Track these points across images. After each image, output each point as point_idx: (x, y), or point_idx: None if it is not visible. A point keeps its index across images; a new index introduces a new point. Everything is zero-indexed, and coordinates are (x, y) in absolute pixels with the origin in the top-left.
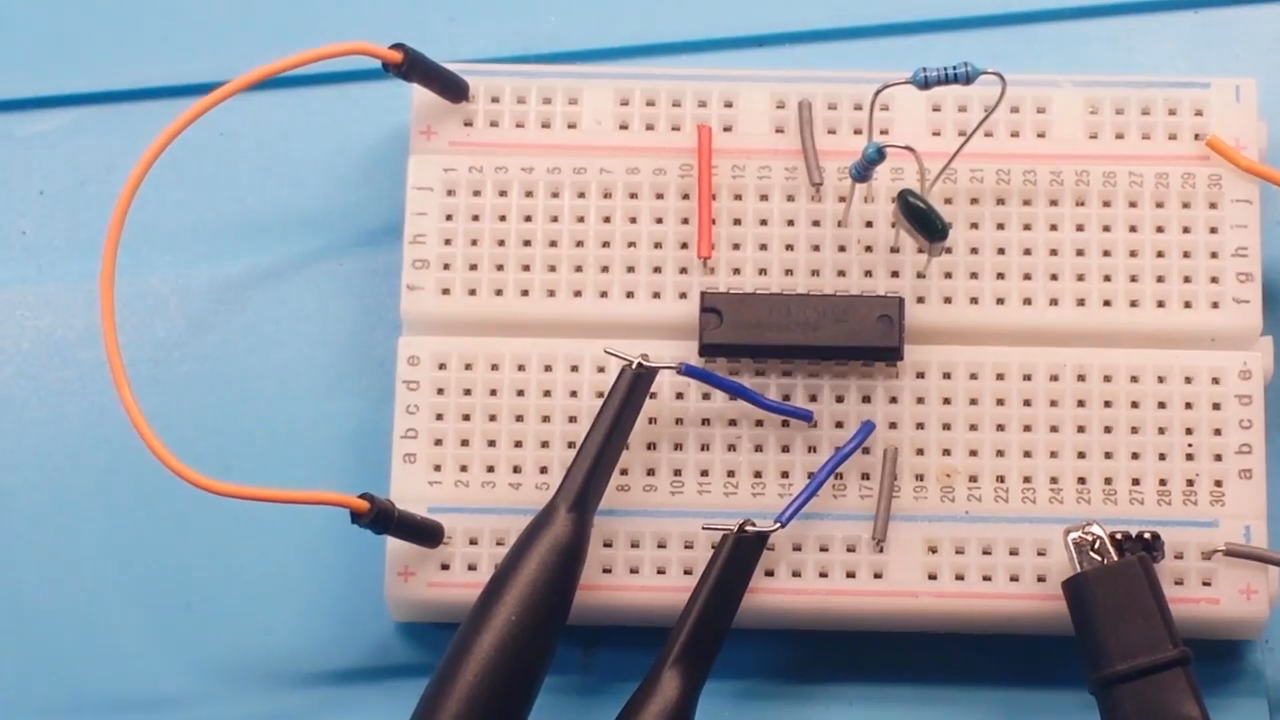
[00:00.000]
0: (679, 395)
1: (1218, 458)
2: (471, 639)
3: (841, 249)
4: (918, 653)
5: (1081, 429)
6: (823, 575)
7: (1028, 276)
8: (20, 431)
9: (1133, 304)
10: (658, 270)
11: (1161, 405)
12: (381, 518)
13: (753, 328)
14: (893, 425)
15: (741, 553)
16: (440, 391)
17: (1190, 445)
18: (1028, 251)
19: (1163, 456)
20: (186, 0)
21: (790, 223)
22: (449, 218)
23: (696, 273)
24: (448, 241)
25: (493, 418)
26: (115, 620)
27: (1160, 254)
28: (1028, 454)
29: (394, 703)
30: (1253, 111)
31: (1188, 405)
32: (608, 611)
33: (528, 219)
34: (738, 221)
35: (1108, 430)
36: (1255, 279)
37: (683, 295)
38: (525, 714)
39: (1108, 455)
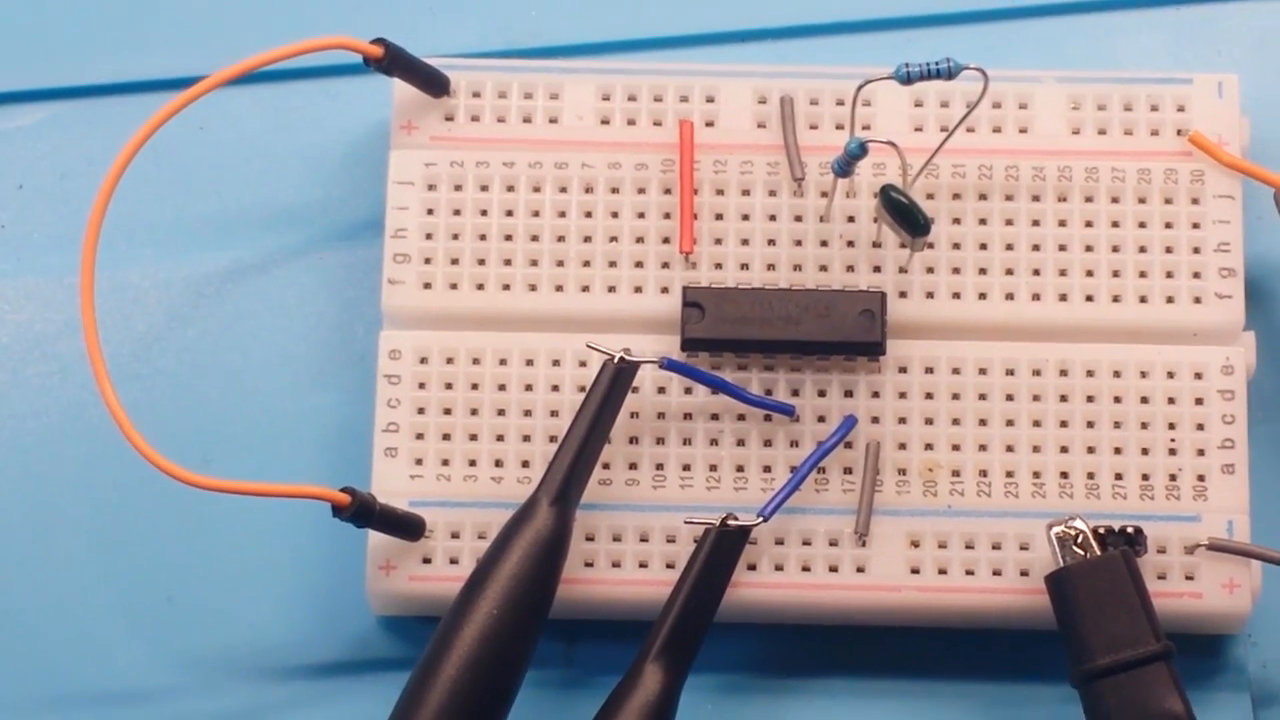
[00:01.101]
0: (661, 390)
1: (1200, 452)
2: (453, 633)
3: (824, 244)
4: (900, 647)
5: (1064, 424)
6: (805, 569)
7: (1010, 271)
8: None
9: (1115, 299)
10: (639, 265)
11: (1144, 400)
12: (363, 511)
13: (735, 322)
14: (875, 420)
15: (724, 547)
16: (422, 385)
17: (1173, 440)
18: (1010, 247)
19: (1145, 451)
20: None
21: (772, 218)
22: (430, 212)
23: (678, 267)
24: (429, 236)
25: (474, 411)
26: (96, 614)
27: (1142, 249)
28: (1010, 448)
29: (375, 696)
30: (1235, 107)
31: (1170, 400)
32: (590, 605)
33: (509, 214)
34: (720, 216)
35: (1090, 425)
36: (1237, 274)
37: (664, 290)
38: (507, 708)
39: (1090, 450)
